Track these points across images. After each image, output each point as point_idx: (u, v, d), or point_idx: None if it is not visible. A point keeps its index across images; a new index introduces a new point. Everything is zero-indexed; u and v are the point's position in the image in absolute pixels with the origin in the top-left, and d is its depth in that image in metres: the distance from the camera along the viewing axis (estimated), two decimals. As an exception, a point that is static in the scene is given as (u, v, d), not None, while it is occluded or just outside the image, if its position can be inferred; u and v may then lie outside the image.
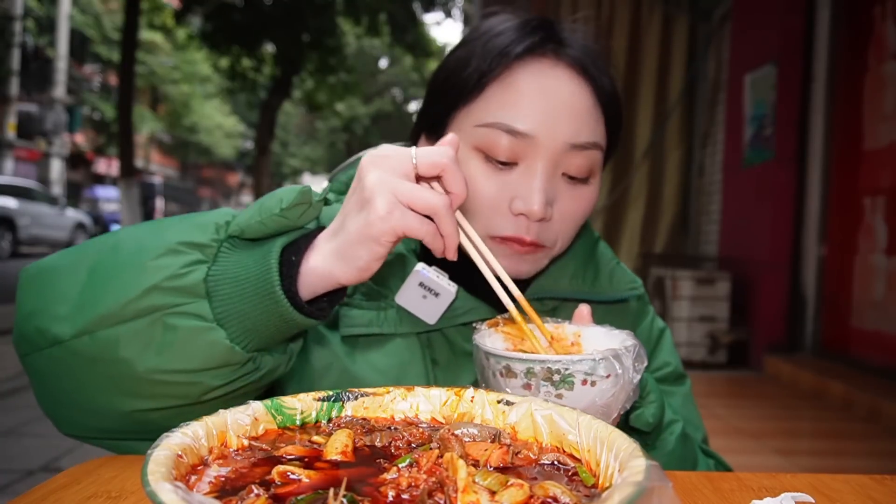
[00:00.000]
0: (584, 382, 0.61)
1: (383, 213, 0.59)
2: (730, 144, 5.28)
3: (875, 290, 4.08)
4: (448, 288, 0.78)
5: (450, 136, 0.66)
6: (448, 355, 0.82)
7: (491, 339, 0.70)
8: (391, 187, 0.60)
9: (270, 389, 0.76)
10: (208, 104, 27.15)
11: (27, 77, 19.30)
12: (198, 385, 0.63)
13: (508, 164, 0.77)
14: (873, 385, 3.66)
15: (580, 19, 0.85)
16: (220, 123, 28.26)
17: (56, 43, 20.40)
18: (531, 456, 0.47)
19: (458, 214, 0.67)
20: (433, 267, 0.79)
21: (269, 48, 14.61)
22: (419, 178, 0.63)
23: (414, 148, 0.63)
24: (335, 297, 0.69)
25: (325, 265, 0.63)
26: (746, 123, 5.05)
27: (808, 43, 4.65)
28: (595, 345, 0.71)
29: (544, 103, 0.76)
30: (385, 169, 0.61)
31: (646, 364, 0.63)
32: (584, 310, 0.75)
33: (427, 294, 0.78)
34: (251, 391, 0.68)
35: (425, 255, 0.86)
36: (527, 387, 0.62)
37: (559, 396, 0.61)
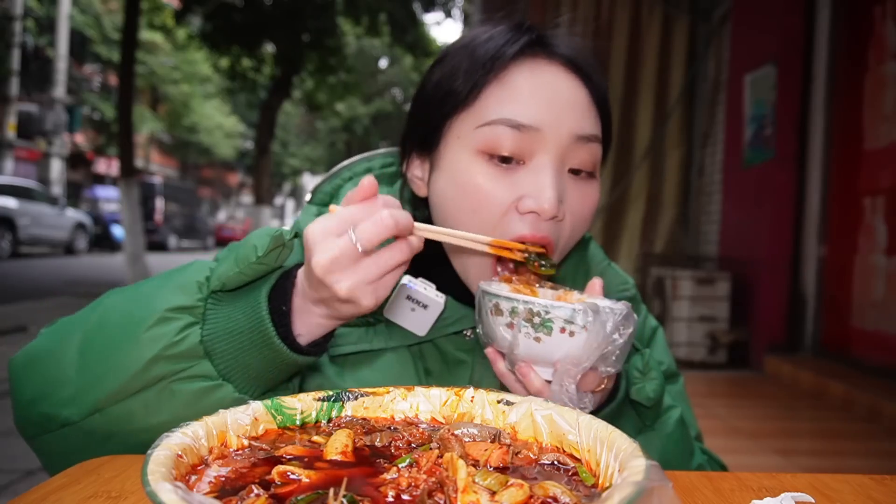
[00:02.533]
0: (563, 331, 0.63)
1: (373, 305, 0.64)
2: (730, 144, 5.28)
3: (875, 290, 4.08)
4: (436, 299, 0.78)
5: (366, 185, 0.65)
6: (440, 365, 0.82)
7: (496, 286, 0.72)
8: (364, 283, 0.62)
9: None
10: (208, 104, 27.13)
11: (27, 77, 19.29)
12: None
13: (514, 164, 0.74)
14: (873, 385, 3.66)
15: (563, 22, 0.84)
16: (220, 123, 28.24)
17: (56, 43, 20.38)
18: (531, 456, 0.47)
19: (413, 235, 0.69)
20: (420, 279, 0.79)
21: (269, 48, 14.60)
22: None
23: (351, 230, 0.62)
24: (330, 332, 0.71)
25: (326, 322, 0.67)
26: (746, 123, 5.05)
27: (808, 43, 4.65)
28: None
29: (545, 97, 0.74)
30: (345, 272, 0.62)
31: (632, 330, 0.64)
32: (596, 283, 0.75)
33: (415, 307, 0.77)
34: None
35: (412, 267, 0.86)
36: (510, 326, 0.65)
37: (538, 340, 0.64)
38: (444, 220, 0.79)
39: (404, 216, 0.63)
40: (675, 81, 5.68)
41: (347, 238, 0.61)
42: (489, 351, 0.70)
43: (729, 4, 5.37)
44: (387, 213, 0.62)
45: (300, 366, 0.68)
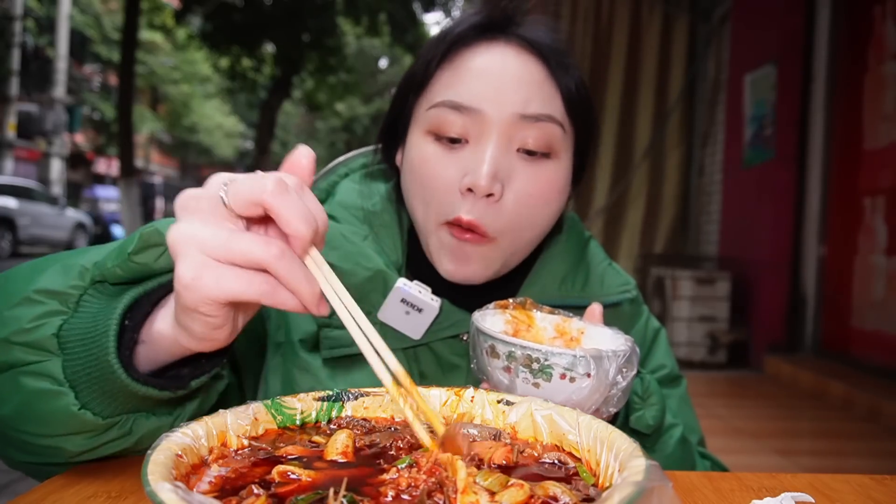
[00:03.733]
0: (563, 377, 0.60)
1: (188, 280, 0.45)
2: (730, 144, 5.28)
3: (875, 290, 4.08)
4: (431, 303, 0.77)
5: (294, 156, 0.51)
6: (435, 369, 0.81)
7: (492, 318, 0.70)
8: (197, 243, 0.45)
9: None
10: (208, 104, 27.14)
11: (27, 77, 19.28)
12: (59, 450, 0.57)
13: (462, 144, 0.75)
14: (873, 385, 3.66)
15: (533, 7, 0.83)
16: (220, 123, 28.25)
17: (56, 43, 20.39)
18: (533, 454, 0.47)
19: (316, 255, 0.49)
20: (415, 282, 0.78)
21: (269, 48, 14.61)
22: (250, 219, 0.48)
23: (228, 179, 0.48)
24: (211, 362, 0.59)
25: (170, 332, 0.52)
26: (746, 123, 5.05)
27: (808, 43, 4.65)
28: (594, 343, 0.71)
29: (489, 78, 0.74)
30: (193, 217, 0.47)
31: (635, 371, 0.63)
32: (595, 309, 0.74)
33: (410, 310, 0.76)
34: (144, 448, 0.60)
35: (408, 269, 0.85)
36: (507, 370, 0.62)
37: (536, 385, 0.61)
38: (406, 202, 0.81)
39: (300, 210, 0.46)
40: (675, 81, 5.68)
41: (220, 184, 0.48)
42: (484, 388, 0.66)
43: (729, 4, 5.37)
44: (273, 177, 0.46)
45: (142, 396, 0.55)
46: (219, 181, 0.48)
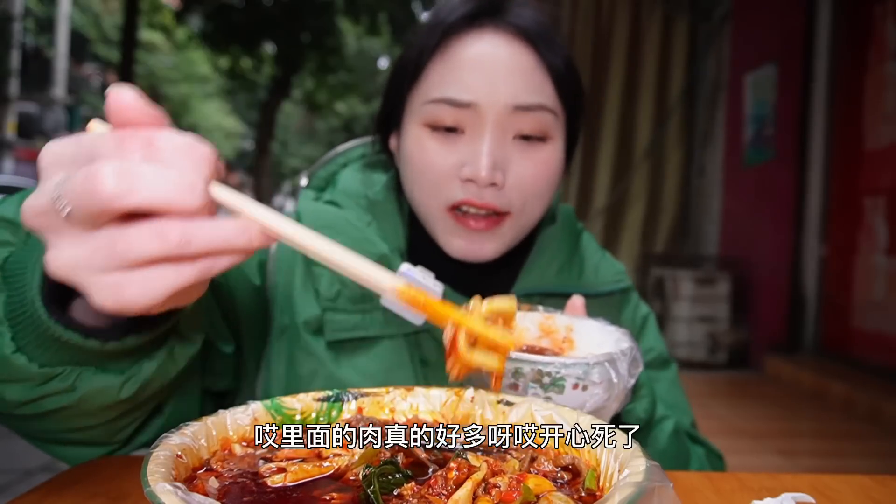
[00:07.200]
0: (576, 387, 0.58)
1: (112, 305, 0.40)
2: (730, 144, 5.28)
3: (875, 290, 4.07)
4: (434, 287, 0.77)
5: (119, 106, 0.39)
6: (437, 355, 0.82)
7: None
8: (88, 269, 0.39)
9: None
10: (208, 104, 27.14)
11: (27, 77, 19.27)
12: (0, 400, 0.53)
13: (458, 133, 0.77)
14: (874, 385, 3.66)
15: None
16: (220, 123, 28.25)
17: (56, 43, 20.38)
18: (545, 466, 0.46)
19: (219, 189, 0.41)
20: (419, 267, 0.79)
21: (269, 48, 14.61)
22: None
23: (52, 184, 0.39)
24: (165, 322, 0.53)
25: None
26: (747, 123, 5.05)
27: (808, 43, 4.65)
28: (588, 340, 0.69)
29: (482, 70, 0.76)
30: (59, 237, 0.40)
31: (641, 369, 0.62)
32: (577, 301, 0.75)
33: None
34: (103, 410, 0.56)
35: (409, 256, 0.87)
36: (513, 387, 0.58)
37: (548, 399, 0.58)
38: (406, 190, 0.84)
39: (170, 185, 0.37)
40: (675, 81, 5.68)
41: (55, 187, 0.38)
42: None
43: (729, 4, 5.37)
44: (113, 170, 0.36)
45: (74, 345, 0.49)
46: (47, 188, 0.39)
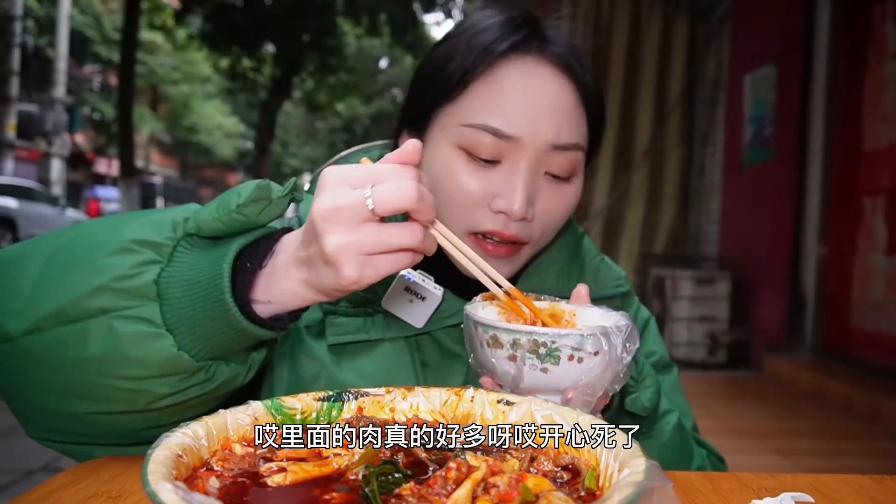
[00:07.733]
0: (571, 358, 0.60)
1: (355, 278, 0.56)
2: (730, 144, 5.28)
3: (875, 290, 4.08)
4: (434, 291, 0.78)
5: (409, 150, 0.59)
6: (437, 357, 0.82)
7: (484, 310, 0.70)
8: (356, 248, 0.55)
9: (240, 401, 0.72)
10: (208, 104, 27.15)
11: (27, 77, 19.27)
12: (144, 393, 0.60)
13: (491, 162, 0.77)
14: (873, 385, 3.66)
15: (564, 16, 0.84)
16: (220, 124, 28.25)
17: (56, 43, 20.38)
18: (545, 466, 0.47)
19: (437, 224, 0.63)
20: (418, 271, 0.79)
21: (269, 48, 14.61)
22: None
23: (369, 187, 0.56)
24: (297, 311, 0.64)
25: (303, 292, 0.60)
26: (746, 123, 5.05)
27: (808, 43, 4.65)
28: (589, 323, 0.70)
29: (528, 103, 0.75)
30: (341, 227, 0.55)
31: (637, 346, 0.63)
32: (581, 290, 0.75)
33: (413, 298, 0.78)
34: (207, 402, 0.65)
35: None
36: (512, 358, 0.61)
37: (544, 371, 0.60)
38: None
39: (431, 199, 0.58)
40: (675, 81, 5.68)
41: (361, 192, 0.55)
42: (485, 381, 0.67)
43: (729, 4, 5.37)
44: (414, 183, 0.56)
45: (250, 335, 0.60)
46: (347, 192, 0.56)
